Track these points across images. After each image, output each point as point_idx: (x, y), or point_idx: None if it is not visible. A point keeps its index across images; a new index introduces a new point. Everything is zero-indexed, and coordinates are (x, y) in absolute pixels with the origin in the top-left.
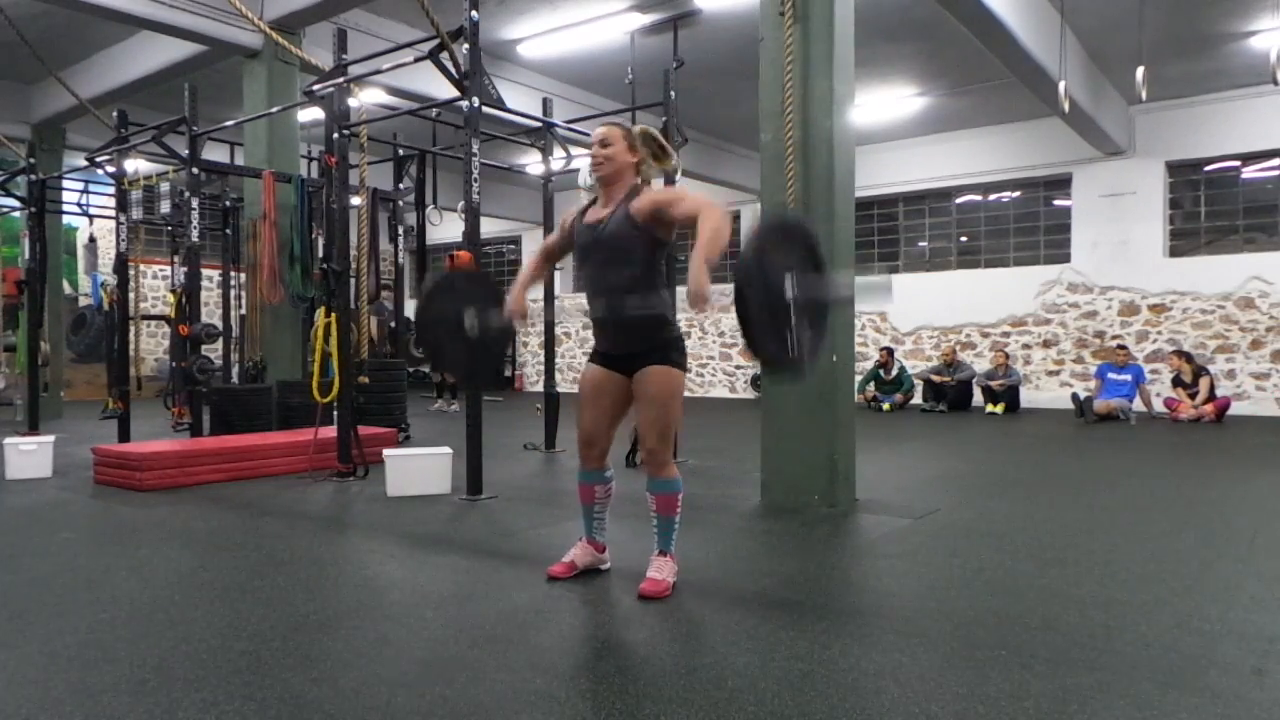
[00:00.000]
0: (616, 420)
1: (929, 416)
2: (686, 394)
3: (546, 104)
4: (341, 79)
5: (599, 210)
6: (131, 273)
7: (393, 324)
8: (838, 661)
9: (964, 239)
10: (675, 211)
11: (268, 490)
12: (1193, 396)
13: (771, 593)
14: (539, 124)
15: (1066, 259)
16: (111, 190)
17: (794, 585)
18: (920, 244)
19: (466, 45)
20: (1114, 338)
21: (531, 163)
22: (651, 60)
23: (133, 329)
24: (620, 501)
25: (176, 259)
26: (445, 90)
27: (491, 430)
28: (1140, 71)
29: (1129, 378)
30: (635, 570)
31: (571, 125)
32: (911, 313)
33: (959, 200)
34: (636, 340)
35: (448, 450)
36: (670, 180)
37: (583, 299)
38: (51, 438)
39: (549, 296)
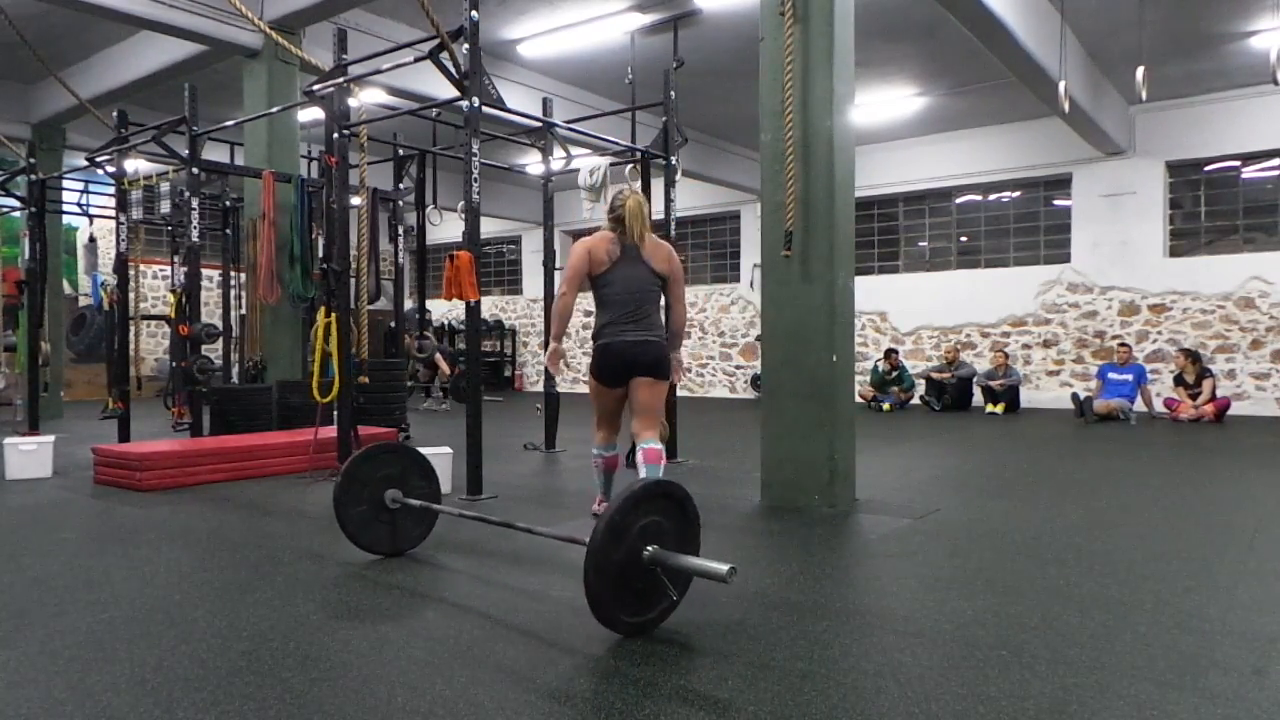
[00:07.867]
0: (623, 410)
1: (929, 416)
2: (686, 394)
3: (546, 104)
4: (341, 79)
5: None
6: (131, 273)
7: (392, 324)
8: (838, 661)
9: (964, 239)
10: (674, 286)
11: (268, 490)
12: (1194, 397)
13: (771, 593)
14: (539, 124)
15: (1066, 259)
16: (111, 190)
17: (794, 585)
18: (920, 244)
19: (466, 45)
20: (1114, 338)
21: (531, 163)
22: (651, 60)
23: (133, 329)
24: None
25: (176, 259)
26: (445, 90)
27: (491, 430)
28: (1140, 71)
29: (1130, 377)
30: None
31: (571, 125)
32: (911, 313)
33: (959, 200)
34: (640, 368)
35: (448, 450)
36: (671, 181)
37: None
38: (51, 438)
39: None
